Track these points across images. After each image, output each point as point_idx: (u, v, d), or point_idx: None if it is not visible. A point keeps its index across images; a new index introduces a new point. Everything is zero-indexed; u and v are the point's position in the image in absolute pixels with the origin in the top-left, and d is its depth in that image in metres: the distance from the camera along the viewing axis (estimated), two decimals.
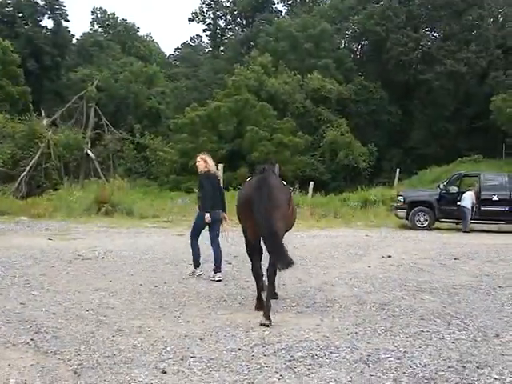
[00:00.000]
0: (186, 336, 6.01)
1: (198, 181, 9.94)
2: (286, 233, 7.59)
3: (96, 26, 73.78)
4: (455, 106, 48.34)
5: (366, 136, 47.26)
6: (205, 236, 9.64)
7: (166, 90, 59.64)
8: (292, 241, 13.62)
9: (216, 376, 4.87)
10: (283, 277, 8.89)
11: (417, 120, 49.75)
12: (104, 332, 6.12)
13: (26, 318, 6.61)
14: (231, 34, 73.24)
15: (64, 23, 64.85)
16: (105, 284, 8.76)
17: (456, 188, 20.44)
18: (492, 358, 5.42)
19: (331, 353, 5.49)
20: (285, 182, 8.16)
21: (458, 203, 19.46)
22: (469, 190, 20.02)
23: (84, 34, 69.94)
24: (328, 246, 14.00)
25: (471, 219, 19.46)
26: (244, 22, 70.94)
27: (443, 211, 19.99)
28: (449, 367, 5.14)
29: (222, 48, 73.24)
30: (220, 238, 9.56)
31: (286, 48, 52.80)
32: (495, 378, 4.90)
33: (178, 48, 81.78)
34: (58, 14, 63.73)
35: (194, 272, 9.53)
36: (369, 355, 5.44)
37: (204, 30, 74.32)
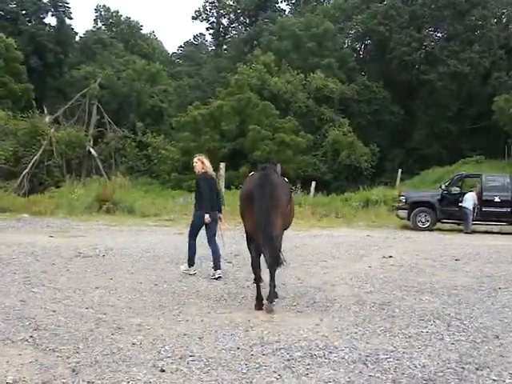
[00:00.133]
0: (185, 335, 6.01)
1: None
2: (285, 231, 7.75)
3: (99, 24, 73.88)
4: (458, 107, 48.26)
5: (369, 136, 47.25)
6: (202, 235, 9.70)
7: (168, 89, 59.64)
8: (293, 240, 13.66)
9: (214, 375, 4.86)
10: (283, 276, 8.93)
11: (419, 120, 49.68)
12: (103, 330, 6.12)
13: (25, 315, 6.61)
14: (234, 32, 73.29)
15: (67, 21, 65.18)
16: (105, 282, 8.77)
17: (458, 189, 20.42)
18: (491, 360, 5.40)
19: (330, 353, 5.48)
20: (286, 179, 8.28)
21: (460, 204, 19.44)
22: (470, 190, 20.00)
23: (87, 31, 70.11)
24: (329, 246, 13.99)
25: (473, 220, 19.43)
26: (247, 21, 70.93)
27: (445, 212, 19.97)
28: (448, 368, 5.12)
29: (225, 47, 73.31)
30: (216, 238, 9.64)
31: (288, 47, 52.76)
32: (494, 380, 4.88)
33: (181, 46, 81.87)
34: (62, 12, 63.83)
35: (187, 270, 9.58)
36: (368, 355, 5.42)
37: (207, 29, 74.57)
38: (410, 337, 6.12)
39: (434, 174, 39.52)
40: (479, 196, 19.65)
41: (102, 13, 74.33)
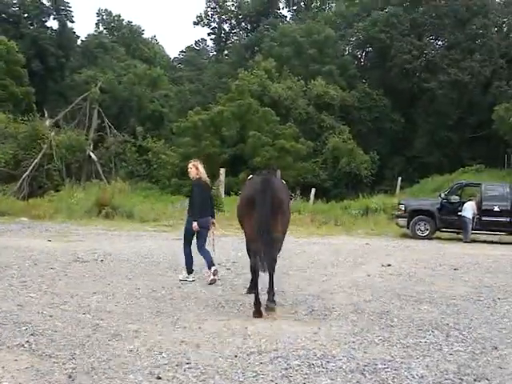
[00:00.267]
0: (182, 342, 5.98)
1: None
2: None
3: (101, 28, 74.11)
4: (458, 115, 48.33)
5: (369, 143, 47.28)
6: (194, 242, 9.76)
7: (169, 93, 59.75)
8: (292, 247, 13.64)
9: (211, 383, 4.84)
10: (282, 284, 8.91)
11: (420, 128, 49.73)
12: (100, 336, 6.09)
13: (22, 320, 6.58)
14: (236, 38, 73.42)
15: (69, 24, 65.32)
16: (103, 287, 8.74)
17: (457, 197, 20.38)
18: (490, 371, 5.37)
19: (328, 362, 5.45)
20: (284, 181, 8.43)
21: (459, 213, 19.42)
22: (470, 199, 19.95)
23: (89, 35, 70.26)
24: (328, 254, 13.96)
25: (472, 229, 19.39)
26: (249, 27, 71.07)
27: (444, 221, 19.94)
28: (446, 379, 5.10)
29: (226, 52, 73.44)
30: (207, 246, 9.65)
31: (290, 53, 52.87)
32: None
33: (182, 51, 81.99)
34: (64, 15, 63.98)
35: (186, 278, 9.56)
36: (366, 365, 5.40)
37: (209, 34, 74.77)
38: (408, 347, 6.09)
39: (434, 182, 39.50)
40: (479, 205, 19.60)
41: (104, 17, 74.61)
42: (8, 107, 43.92)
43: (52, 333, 6.13)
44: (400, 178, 34.80)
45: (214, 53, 77.21)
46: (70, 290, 8.38)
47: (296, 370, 5.19)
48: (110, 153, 43.64)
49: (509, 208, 19.32)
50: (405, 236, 20.23)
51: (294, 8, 70.50)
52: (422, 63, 50.34)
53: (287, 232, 8.24)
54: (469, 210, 19.24)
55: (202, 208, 9.42)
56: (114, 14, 74.93)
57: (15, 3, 62.80)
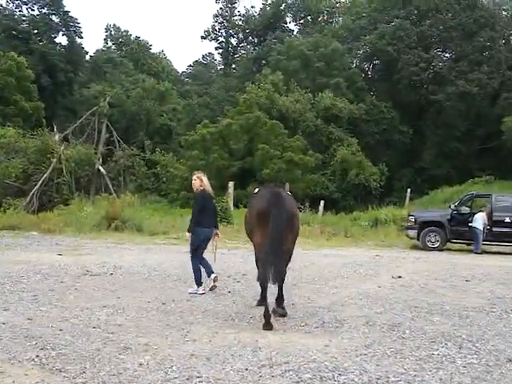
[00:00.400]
0: (192, 355, 5.93)
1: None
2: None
3: (109, 43, 74.73)
4: (467, 127, 48.19)
5: (377, 155, 47.19)
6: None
7: (177, 107, 59.97)
8: (302, 259, 13.59)
9: None
10: (292, 296, 8.86)
11: (428, 140, 49.59)
12: (110, 349, 6.06)
13: (32, 334, 6.57)
14: (243, 52, 73.72)
15: (78, 40, 65.76)
16: (113, 301, 8.72)
17: (467, 209, 20.32)
18: None
19: (340, 375, 5.39)
20: (290, 193, 8.62)
21: (470, 224, 19.31)
22: (480, 211, 19.87)
23: (97, 50, 70.86)
24: (338, 266, 13.90)
25: (483, 240, 19.28)
26: (256, 41, 71.38)
27: (454, 232, 19.85)
28: None
29: (233, 66, 73.72)
30: (208, 254, 9.73)
31: (297, 67, 52.98)
32: None
33: (190, 65, 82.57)
34: (72, 31, 64.54)
35: (196, 291, 9.54)
36: (378, 378, 5.33)
37: (216, 48, 75.05)
38: (420, 359, 6.01)
39: (444, 193, 39.33)
40: (489, 216, 19.51)
41: (112, 32, 75.24)
42: (18, 122, 44.23)
43: (62, 347, 6.11)
44: (409, 190, 34.72)
45: (222, 67, 77.58)
46: (80, 304, 8.37)
47: (307, 383, 5.14)
48: (118, 166, 43.77)
49: None
50: (415, 247, 20.14)
51: (301, 22, 70.81)
52: (429, 75, 50.33)
53: (296, 244, 8.27)
54: (479, 221, 19.15)
55: (206, 219, 9.52)
56: (122, 30, 75.68)
57: (25, 20, 63.48)
